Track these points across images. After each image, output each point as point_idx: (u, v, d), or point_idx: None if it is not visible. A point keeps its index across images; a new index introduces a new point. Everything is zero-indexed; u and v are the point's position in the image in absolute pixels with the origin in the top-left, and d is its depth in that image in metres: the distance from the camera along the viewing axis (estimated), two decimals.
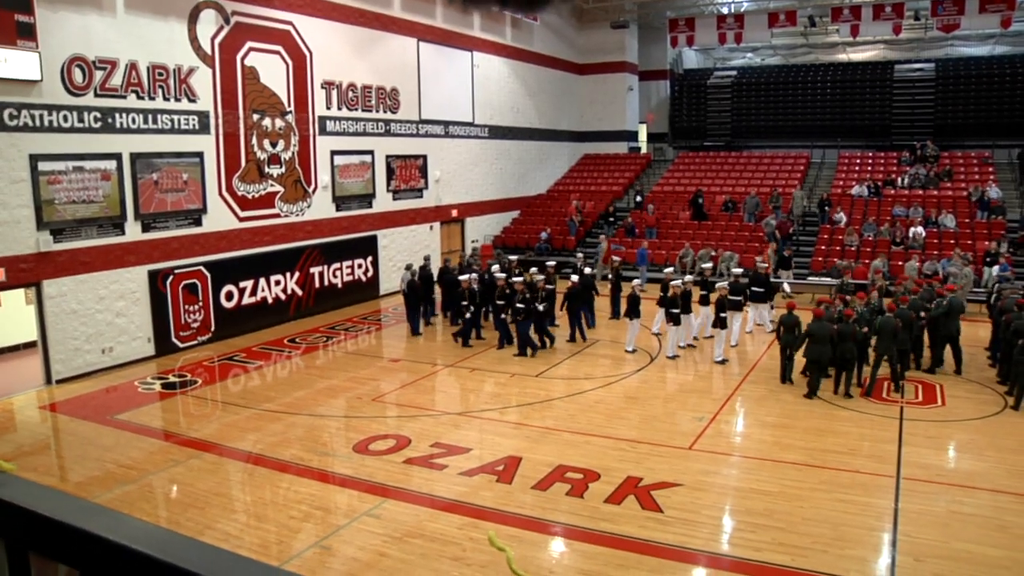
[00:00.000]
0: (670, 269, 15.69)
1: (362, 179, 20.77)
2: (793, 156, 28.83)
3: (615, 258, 18.82)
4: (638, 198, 26.29)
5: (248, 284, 17.15)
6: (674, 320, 13.61)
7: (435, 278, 16.94)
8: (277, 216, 18.15)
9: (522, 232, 27.43)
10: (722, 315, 13.42)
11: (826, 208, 22.06)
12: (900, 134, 28.34)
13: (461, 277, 15.27)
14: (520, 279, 14.64)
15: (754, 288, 15.14)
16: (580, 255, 18.77)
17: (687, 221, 24.82)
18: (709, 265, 15.38)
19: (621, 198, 28.62)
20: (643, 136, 34.19)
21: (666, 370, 13.39)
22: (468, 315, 14.55)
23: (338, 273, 19.89)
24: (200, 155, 15.92)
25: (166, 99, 14.56)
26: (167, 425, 10.74)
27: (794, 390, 11.95)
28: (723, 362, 13.36)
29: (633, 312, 14.03)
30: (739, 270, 15.35)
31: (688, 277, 14.55)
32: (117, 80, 13.25)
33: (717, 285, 14.37)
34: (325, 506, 8.12)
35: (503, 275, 15.10)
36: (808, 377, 11.48)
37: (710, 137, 32.54)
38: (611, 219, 26.04)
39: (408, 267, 16.91)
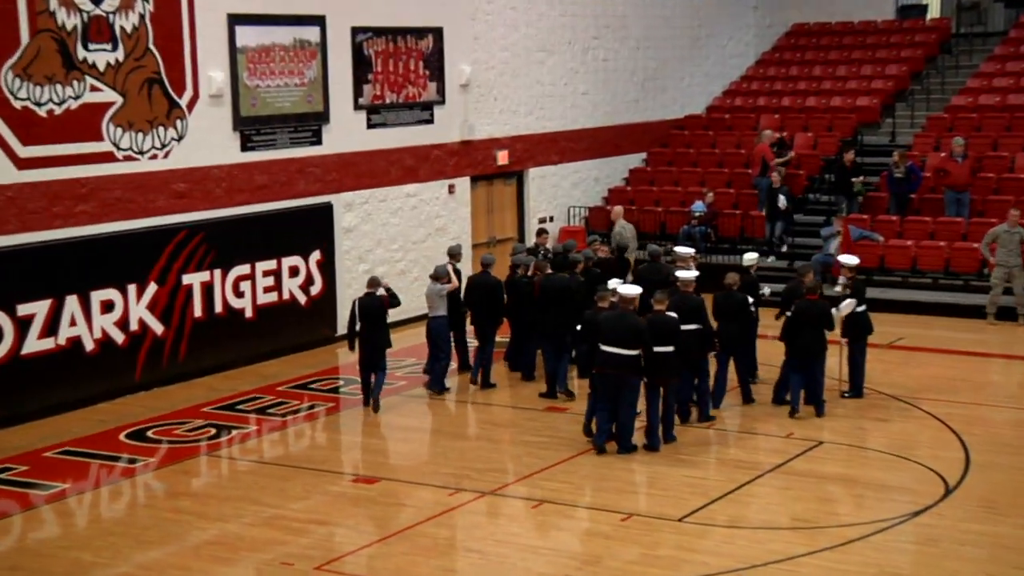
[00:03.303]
0: None
1: (299, 81, 21.05)
2: None
3: (849, 261, 18.06)
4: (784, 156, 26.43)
5: (37, 310, 17.36)
6: None
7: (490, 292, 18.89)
8: (108, 159, 18.35)
9: (649, 199, 27.68)
10: None
11: None
12: None
13: (618, 283, 16.54)
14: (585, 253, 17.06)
15: None
16: (750, 257, 19.06)
17: None
18: None
19: (877, 124, 28.56)
20: None
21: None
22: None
23: (245, 287, 20.16)
24: None
25: None
26: None
27: None
28: None
29: None
30: None
31: None
32: None
33: None
34: None
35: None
36: None
37: None
38: (849, 176, 25.68)
39: (439, 274, 18.35)
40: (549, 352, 17.84)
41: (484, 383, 18.56)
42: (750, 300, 17.23)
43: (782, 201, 24.71)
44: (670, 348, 15.39)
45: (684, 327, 15.77)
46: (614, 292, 15.93)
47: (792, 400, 16.66)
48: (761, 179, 25.87)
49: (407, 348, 20.20)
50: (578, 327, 16.68)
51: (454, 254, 19.50)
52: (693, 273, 17.15)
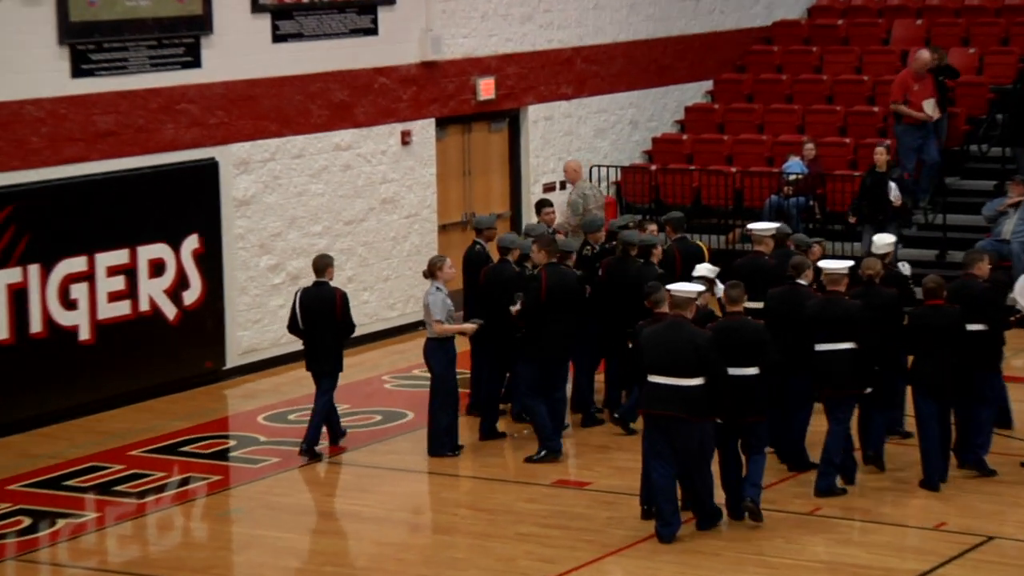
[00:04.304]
0: None
1: None
2: None
3: None
4: None
5: None
6: None
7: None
8: None
9: (716, 153, 28.27)
10: None
11: None
12: None
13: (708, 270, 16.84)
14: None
15: None
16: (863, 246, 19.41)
17: None
18: None
19: None
20: None
21: None
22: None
23: (79, 293, 20.27)
24: None
25: None
26: None
27: None
28: None
29: None
30: None
31: None
32: None
33: None
34: None
35: None
36: None
37: None
38: None
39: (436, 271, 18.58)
40: (535, 387, 18.01)
41: (486, 430, 19.11)
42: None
43: (894, 192, 24.47)
44: (751, 371, 15.48)
45: (831, 346, 16.09)
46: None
47: (931, 467, 16.74)
48: (906, 129, 25.82)
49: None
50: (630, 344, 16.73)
51: (483, 228, 19.69)
52: (844, 263, 17.15)
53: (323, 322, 18.04)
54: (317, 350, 18.29)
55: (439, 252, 22.91)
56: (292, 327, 18.42)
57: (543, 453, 17.97)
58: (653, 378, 15.06)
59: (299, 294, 18.33)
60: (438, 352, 18.16)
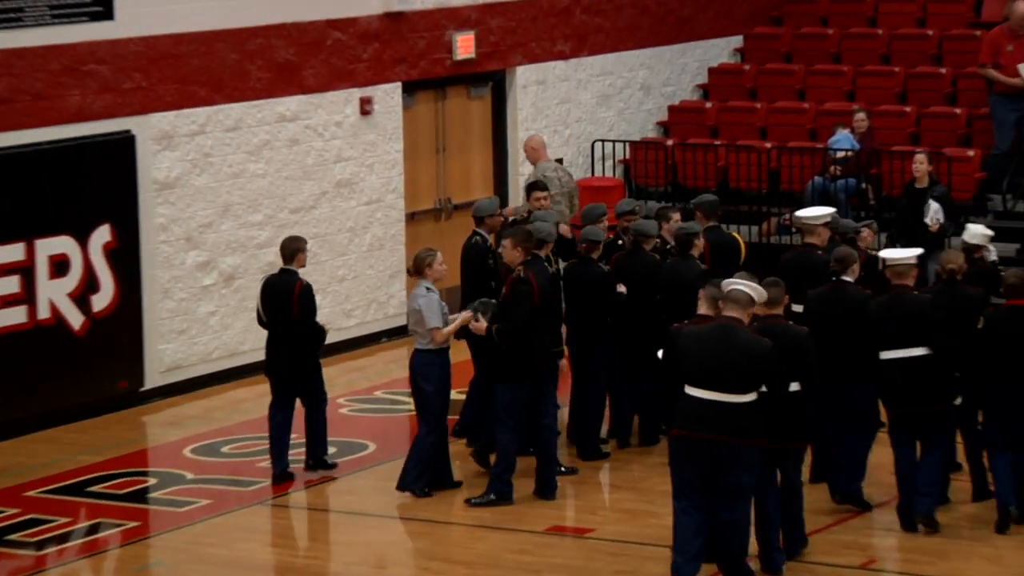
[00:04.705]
0: None
1: None
2: None
3: None
4: None
5: None
6: None
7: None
8: None
9: (746, 125, 28.44)
10: None
11: None
12: None
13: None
14: None
15: None
16: None
17: None
18: None
19: None
20: None
21: None
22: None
23: None
24: None
25: None
26: None
27: None
28: None
29: None
30: None
31: None
32: None
33: None
34: None
35: None
36: None
37: None
38: None
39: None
40: (518, 414, 17.98)
41: (476, 452, 18.98)
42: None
43: (933, 213, 23.85)
44: (792, 386, 15.60)
45: (900, 353, 16.16)
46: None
47: (1000, 494, 16.63)
48: (999, 99, 25.93)
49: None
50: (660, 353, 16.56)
51: (483, 216, 19.65)
52: (911, 252, 17.20)
53: (282, 318, 18.19)
54: (279, 351, 18.38)
55: (406, 245, 23.31)
56: (260, 319, 18.64)
57: (492, 496, 17.88)
58: (692, 391, 14.84)
59: (263, 282, 18.49)
60: (433, 366, 18.10)
